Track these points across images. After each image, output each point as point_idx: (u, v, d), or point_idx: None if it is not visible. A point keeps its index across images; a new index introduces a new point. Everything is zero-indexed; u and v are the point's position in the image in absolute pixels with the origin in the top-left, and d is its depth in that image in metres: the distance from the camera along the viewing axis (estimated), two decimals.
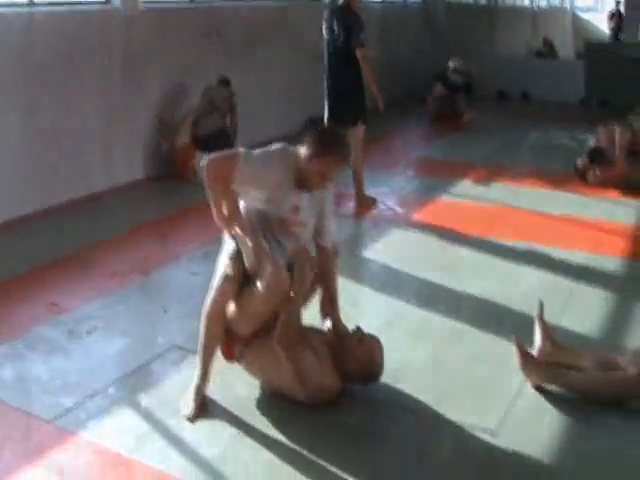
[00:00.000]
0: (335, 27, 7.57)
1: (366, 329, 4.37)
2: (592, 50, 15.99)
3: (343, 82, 7.59)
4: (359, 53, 7.42)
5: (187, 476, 3.75)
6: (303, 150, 4.16)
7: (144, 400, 4.39)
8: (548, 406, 4.15)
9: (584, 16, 29.06)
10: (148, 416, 4.25)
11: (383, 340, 4.37)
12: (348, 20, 7.49)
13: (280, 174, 4.14)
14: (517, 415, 4.06)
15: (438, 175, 9.33)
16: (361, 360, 4.16)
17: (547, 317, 4.73)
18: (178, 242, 6.88)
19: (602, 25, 26.28)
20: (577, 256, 6.34)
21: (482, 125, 13.15)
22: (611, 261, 6.33)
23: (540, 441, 3.86)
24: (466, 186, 8.83)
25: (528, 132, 12.57)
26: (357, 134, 7.65)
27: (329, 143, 4.14)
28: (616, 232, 7.19)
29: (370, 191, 8.18)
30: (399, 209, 7.86)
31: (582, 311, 5.32)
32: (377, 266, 6.13)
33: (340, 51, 7.54)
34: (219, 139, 8.74)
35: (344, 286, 4.88)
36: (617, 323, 5.23)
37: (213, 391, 4.43)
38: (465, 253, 6.42)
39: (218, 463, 3.86)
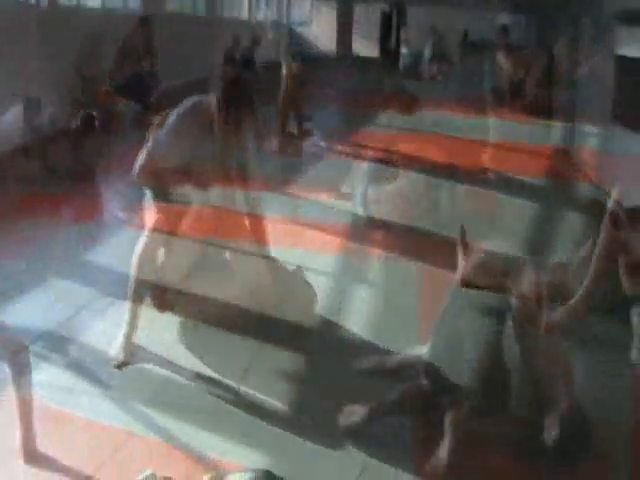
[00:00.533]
0: None
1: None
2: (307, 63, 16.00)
3: None
4: None
5: (118, 424, 3.82)
6: None
7: (72, 352, 4.42)
8: None
9: (300, 30, 28.97)
10: (77, 367, 4.28)
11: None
12: None
13: None
14: None
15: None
16: None
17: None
18: None
19: (318, 39, 26.38)
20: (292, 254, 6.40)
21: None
22: (324, 259, 6.54)
23: None
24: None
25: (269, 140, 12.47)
26: None
27: None
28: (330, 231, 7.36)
29: None
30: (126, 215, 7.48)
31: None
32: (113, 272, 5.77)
33: None
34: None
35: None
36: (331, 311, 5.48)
37: (141, 337, 4.48)
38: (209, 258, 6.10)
39: (149, 409, 3.93)
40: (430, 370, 3.96)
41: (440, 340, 3.99)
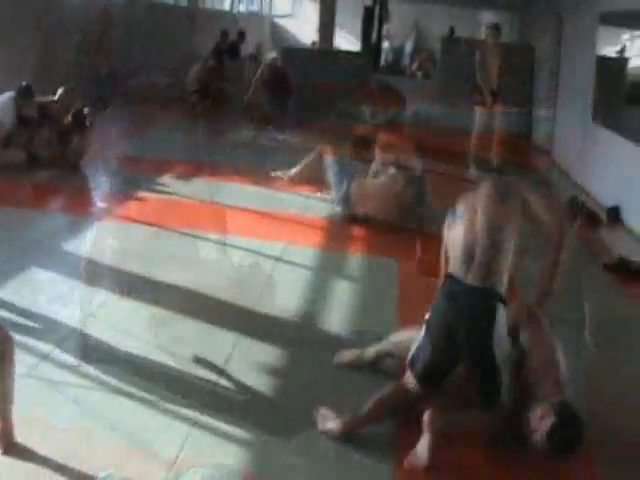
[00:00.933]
0: None
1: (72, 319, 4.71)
2: (289, 56, 15.96)
3: None
4: None
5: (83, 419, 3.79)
6: None
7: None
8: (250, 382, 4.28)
9: (281, 22, 29.04)
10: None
11: (92, 329, 4.67)
12: None
13: None
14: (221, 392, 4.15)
15: (140, 171, 9.03)
16: None
17: (246, 304, 5.26)
18: None
19: (300, 31, 26.56)
20: (273, 247, 6.59)
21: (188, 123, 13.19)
22: (305, 251, 6.65)
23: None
24: (168, 182, 8.62)
25: (232, 130, 12.52)
26: None
27: None
28: (309, 225, 7.51)
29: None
30: (101, 205, 7.68)
31: (278, 297, 5.52)
32: (79, 260, 5.91)
33: None
34: None
35: (46, 281, 5.34)
36: (310, 305, 5.53)
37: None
38: (167, 247, 6.38)
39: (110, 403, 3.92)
40: (417, 365, 3.95)
41: (430, 333, 3.96)
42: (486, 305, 3.79)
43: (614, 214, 8.83)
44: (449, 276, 3.96)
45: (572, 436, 3.63)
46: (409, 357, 4.03)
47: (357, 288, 5.99)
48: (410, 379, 3.97)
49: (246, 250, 6.44)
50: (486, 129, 11.19)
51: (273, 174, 9.10)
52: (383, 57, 25.18)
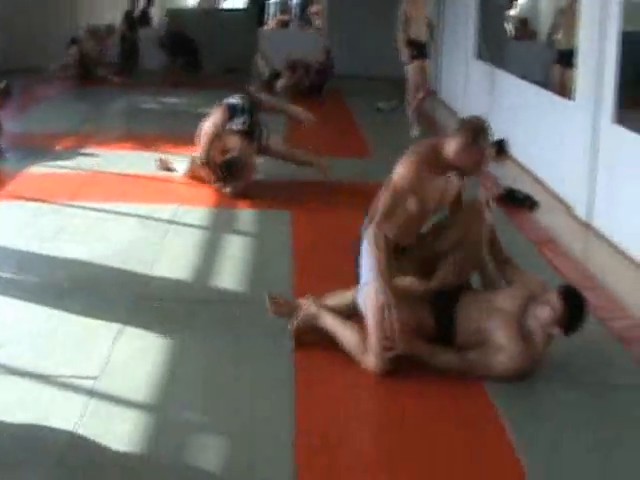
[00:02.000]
0: None
1: None
2: (173, 16, 16.31)
3: None
4: None
5: None
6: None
7: None
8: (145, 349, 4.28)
9: None
10: None
11: None
12: None
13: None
14: (117, 359, 4.13)
15: (29, 146, 8.83)
16: None
17: (140, 270, 5.27)
18: None
19: None
20: (164, 211, 6.58)
21: (71, 92, 13.18)
22: (197, 212, 6.66)
23: (139, 380, 3.96)
24: (57, 155, 8.48)
25: (118, 97, 12.51)
26: None
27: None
28: (196, 186, 7.44)
29: None
30: None
31: (172, 261, 5.52)
32: None
33: None
34: None
35: None
36: (205, 263, 5.56)
37: None
38: (60, 220, 6.34)
39: None
40: None
41: None
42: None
43: (501, 147, 9.02)
44: None
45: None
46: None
47: (251, 243, 6.03)
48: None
49: (137, 216, 6.40)
50: None
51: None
52: (271, 11, 24.96)
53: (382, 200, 4.24)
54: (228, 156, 7.03)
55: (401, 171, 4.23)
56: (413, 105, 10.31)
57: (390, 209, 4.19)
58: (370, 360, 3.98)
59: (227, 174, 7.02)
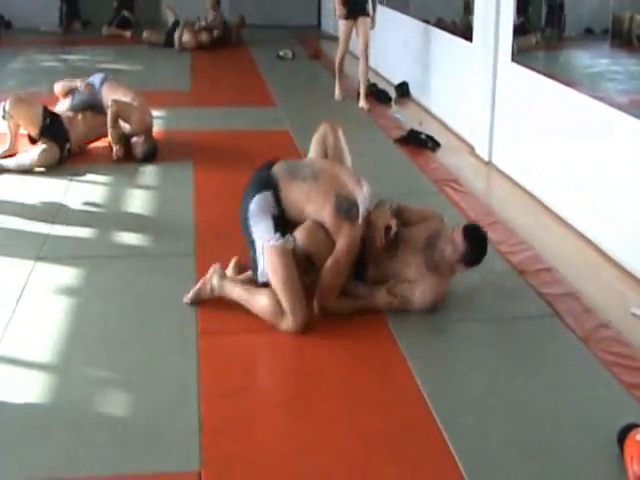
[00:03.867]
0: None
1: None
2: None
3: None
4: None
5: None
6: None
7: None
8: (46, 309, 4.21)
9: None
10: None
11: None
12: None
13: None
14: (18, 321, 4.05)
15: None
16: None
17: (39, 230, 5.14)
18: None
19: None
20: (63, 170, 6.36)
21: None
22: (96, 168, 6.42)
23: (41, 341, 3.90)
24: None
25: (13, 58, 11.92)
26: None
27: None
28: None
29: None
30: None
31: (72, 219, 5.40)
32: None
33: None
34: None
35: None
36: (105, 223, 5.38)
37: None
38: None
39: None
40: None
41: None
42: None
43: (402, 89, 9.07)
44: None
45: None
46: None
47: (154, 196, 5.94)
48: None
49: (33, 174, 6.23)
50: None
51: None
52: None
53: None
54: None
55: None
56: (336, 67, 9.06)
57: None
58: (287, 321, 3.92)
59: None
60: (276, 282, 3.96)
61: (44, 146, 6.33)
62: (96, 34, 13.86)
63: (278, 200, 4.19)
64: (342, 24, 8.84)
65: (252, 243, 4.18)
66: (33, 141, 6.49)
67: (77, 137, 6.61)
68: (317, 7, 15.66)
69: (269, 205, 4.18)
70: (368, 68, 8.82)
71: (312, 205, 4.16)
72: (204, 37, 12.58)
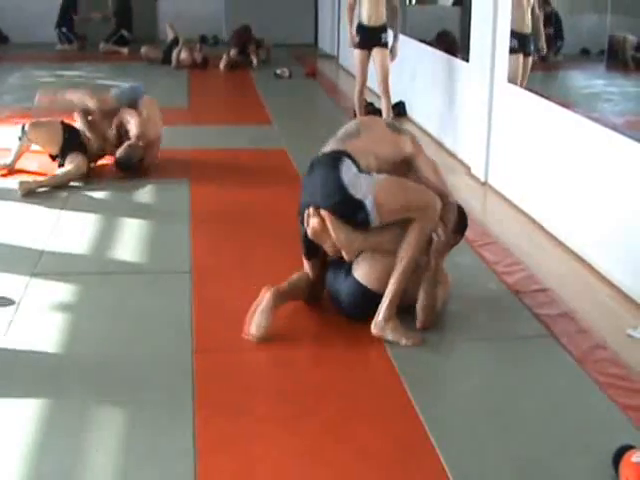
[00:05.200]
0: None
1: None
2: None
3: None
4: None
5: None
6: None
7: None
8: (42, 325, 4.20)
9: None
10: None
11: None
12: None
13: None
14: (14, 337, 4.06)
15: None
16: None
17: (34, 246, 5.14)
18: None
19: None
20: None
21: None
22: (94, 184, 6.44)
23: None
24: None
25: (11, 73, 12.03)
26: None
27: None
28: None
29: None
30: None
31: (68, 235, 5.41)
32: None
33: None
34: None
35: None
36: (102, 239, 5.40)
37: None
38: None
39: None
40: None
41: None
42: (329, 160, 4.02)
43: (399, 109, 9.10)
44: None
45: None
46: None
47: (150, 213, 5.96)
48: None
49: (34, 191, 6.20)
50: None
51: None
52: None
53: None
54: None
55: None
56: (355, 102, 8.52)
57: None
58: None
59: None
60: (404, 195, 4.02)
61: (72, 159, 6.39)
62: (94, 50, 13.97)
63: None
64: (355, 54, 8.22)
65: (360, 207, 3.94)
66: (54, 158, 6.55)
67: (93, 149, 6.68)
68: (314, 26, 15.76)
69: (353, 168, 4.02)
70: (390, 105, 8.18)
71: (385, 146, 4.18)
72: (199, 56, 12.62)
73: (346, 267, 4.16)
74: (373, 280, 4.08)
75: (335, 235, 3.97)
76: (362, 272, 4.10)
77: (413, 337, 3.99)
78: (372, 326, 4.00)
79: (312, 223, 4.01)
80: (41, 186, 6.23)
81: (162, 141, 7.07)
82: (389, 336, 3.98)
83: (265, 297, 4.03)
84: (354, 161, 4.00)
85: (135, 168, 6.63)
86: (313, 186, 4.06)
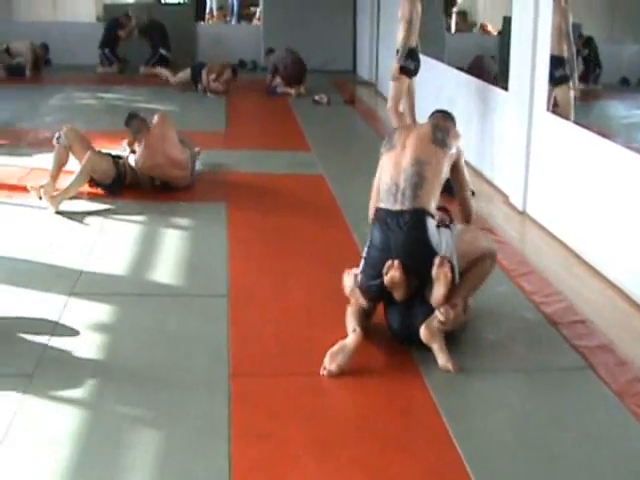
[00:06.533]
0: None
1: None
2: (110, 12, 16.00)
3: None
4: None
5: None
6: None
7: None
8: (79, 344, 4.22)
9: None
10: None
11: None
12: None
13: None
14: (51, 356, 4.08)
15: None
16: None
17: (73, 266, 5.19)
18: None
19: None
20: (100, 205, 6.45)
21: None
22: (132, 206, 6.48)
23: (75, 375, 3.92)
24: None
25: (52, 95, 12.12)
26: None
27: None
28: None
29: None
30: None
31: (106, 255, 5.45)
32: None
33: None
34: None
35: None
36: (139, 261, 5.43)
37: None
38: None
39: None
40: None
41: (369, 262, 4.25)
42: (415, 221, 4.12)
43: None
44: (378, 209, 4.28)
45: None
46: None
47: (187, 236, 5.98)
48: (361, 300, 4.26)
49: (72, 212, 6.26)
50: None
51: None
52: (209, 6, 24.87)
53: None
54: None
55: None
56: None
57: None
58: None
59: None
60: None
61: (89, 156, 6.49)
62: (134, 73, 14.13)
63: None
64: (404, 82, 8.25)
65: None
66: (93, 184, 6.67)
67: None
68: (353, 52, 15.81)
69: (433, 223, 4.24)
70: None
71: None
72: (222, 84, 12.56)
73: (419, 297, 4.18)
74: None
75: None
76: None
77: (454, 363, 3.98)
78: (422, 329, 4.02)
79: (393, 275, 4.06)
80: (67, 194, 6.33)
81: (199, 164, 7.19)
82: (435, 344, 4.01)
83: (352, 337, 4.03)
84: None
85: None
86: (396, 241, 4.14)
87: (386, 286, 4.10)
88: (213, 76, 12.32)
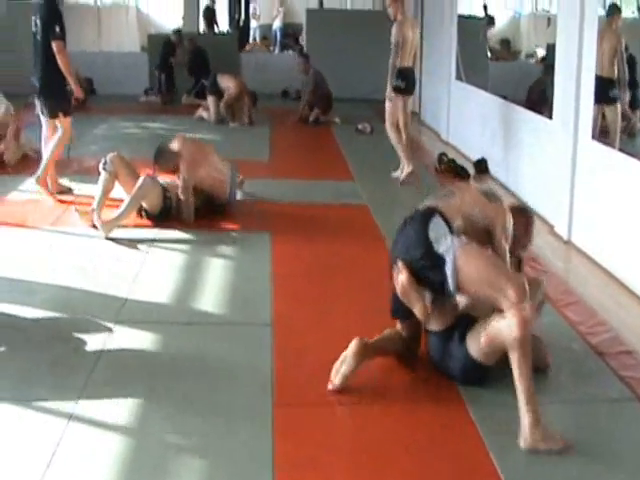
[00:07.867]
0: (36, 21, 7.40)
1: None
2: (154, 42, 15.98)
3: (44, 74, 7.45)
4: (55, 46, 7.22)
5: None
6: None
7: None
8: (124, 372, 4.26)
9: (146, 11, 28.48)
10: None
11: None
12: (46, 14, 7.29)
13: None
14: (97, 381, 4.12)
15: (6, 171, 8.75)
16: None
17: (118, 294, 5.22)
18: None
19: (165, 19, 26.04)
20: (144, 234, 6.51)
21: None
22: (175, 234, 6.54)
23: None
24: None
25: (97, 124, 12.18)
26: (65, 124, 7.57)
27: None
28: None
29: None
30: None
31: (151, 284, 5.48)
32: None
33: (40, 44, 7.37)
34: None
35: None
36: (184, 290, 5.46)
37: None
38: (38, 246, 6.25)
39: None
40: None
41: None
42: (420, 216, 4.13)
43: (481, 166, 9.07)
44: None
45: None
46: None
47: (231, 265, 6.02)
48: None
49: (116, 240, 6.33)
50: None
51: None
52: (252, 35, 25.14)
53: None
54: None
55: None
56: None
57: None
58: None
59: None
60: (485, 266, 3.93)
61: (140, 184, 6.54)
62: (177, 103, 14.28)
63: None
64: (398, 101, 8.97)
65: (439, 264, 3.96)
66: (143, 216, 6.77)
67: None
68: None
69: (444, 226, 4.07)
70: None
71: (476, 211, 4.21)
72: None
73: (458, 335, 4.09)
74: (483, 355, 3.99)
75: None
76: (476, 348, 4.00)
77: (562, 440, 3.63)
78: (521, 442, 3.60)
79: (400, 279, 4.04)
80: (120, 220, 6.44)
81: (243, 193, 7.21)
82: (542, 446, 3.59)
83: (350, 346, 4.04)
84: (447, 220, 4.05)
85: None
86: (402, 241, 4.15)
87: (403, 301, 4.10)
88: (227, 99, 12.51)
